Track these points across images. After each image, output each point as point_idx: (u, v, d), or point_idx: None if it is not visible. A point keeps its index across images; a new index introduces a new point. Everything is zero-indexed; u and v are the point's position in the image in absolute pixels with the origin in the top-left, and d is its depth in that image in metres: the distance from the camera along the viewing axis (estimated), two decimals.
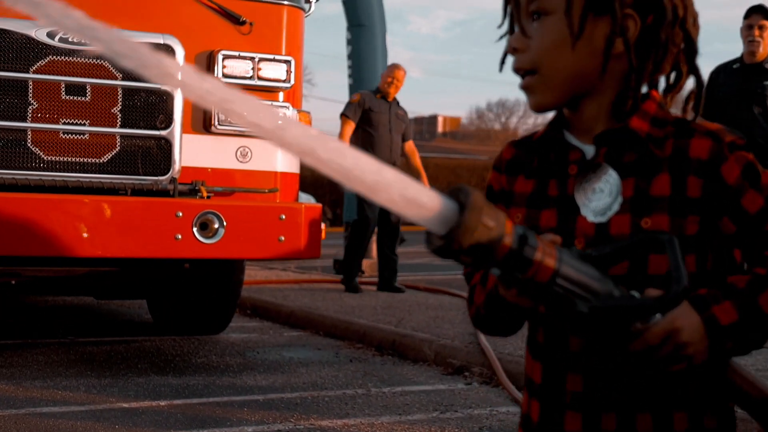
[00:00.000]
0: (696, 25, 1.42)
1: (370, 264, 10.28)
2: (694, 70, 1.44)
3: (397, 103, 8.89)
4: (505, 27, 1.46)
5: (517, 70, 1.41)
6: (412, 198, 1.11)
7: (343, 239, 11.30)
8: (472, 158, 35.96)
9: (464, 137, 64.77)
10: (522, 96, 1.48)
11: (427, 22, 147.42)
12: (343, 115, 8.76)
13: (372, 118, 8.65)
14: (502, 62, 1.46)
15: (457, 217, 1.13)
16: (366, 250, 8.89)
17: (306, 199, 13.26)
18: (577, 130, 1.45)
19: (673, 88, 1.45)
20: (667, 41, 1.40)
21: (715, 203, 1.36)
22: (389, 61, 11.82)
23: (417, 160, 9.18)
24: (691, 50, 1.43)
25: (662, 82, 1.45)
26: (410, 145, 9.08)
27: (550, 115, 1.48)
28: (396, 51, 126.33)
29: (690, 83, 1.47)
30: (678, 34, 1.40)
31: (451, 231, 1.13)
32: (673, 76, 1.45)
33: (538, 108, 1.42)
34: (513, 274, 1.25)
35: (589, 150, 1.43)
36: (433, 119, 66.16)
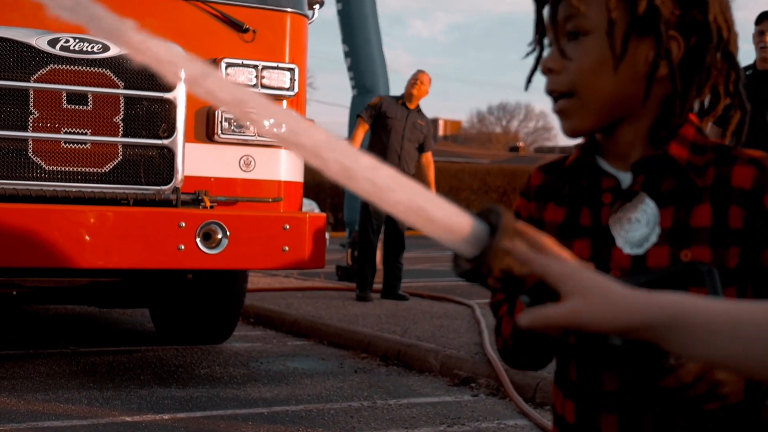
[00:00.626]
0: (736, 46, 1.35)
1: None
2: (738, 95, 1.37)
3: (418, 111, 8.78)
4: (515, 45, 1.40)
5: (551, 92, 1.34)
6: (441, 218, 1.06)
7: (346, 245, 11.22)
8: (473, 162, 35.91)
9: (465, 141, 64.73)
10: (522, 98, 1.42)
11: (426, 25, 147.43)
12: (359, 116, 8.72)
13: (387, 124, 8.56)
14: (529, 80, 1.39)
15: (488, 240, 1.07)
16: (375, 259, 8.81)
17: (309, 204, 13.21)
18: (611, 156, 1.37)
19: (709, 112, 1.39)
20: (711, 64, 1.33)
21: (757, 235, 1.29)
22: (389, 69, 11.79)
23: (430, 173, 9.02)
24: (733, 74, 1.36)
25: (696, 104, 1.38)
26: (427, 157, 8.93)
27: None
28: (396, 55, 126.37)
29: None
30: (719, 57, 1.33)
31: (481, 254, 1.07)
32: (707, 98, 1.38)
33: (573, 133, 1.34)
34: (543, 302, 1.19)
35: (624, 177, 1.36)
36: (433, 123, 66.06)
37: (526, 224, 1.12)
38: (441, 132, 66.60)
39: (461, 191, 24.44)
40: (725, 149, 1.35)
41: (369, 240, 8.69)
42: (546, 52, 1.37)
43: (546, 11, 1.35)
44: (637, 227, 1.33)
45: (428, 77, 8.83)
